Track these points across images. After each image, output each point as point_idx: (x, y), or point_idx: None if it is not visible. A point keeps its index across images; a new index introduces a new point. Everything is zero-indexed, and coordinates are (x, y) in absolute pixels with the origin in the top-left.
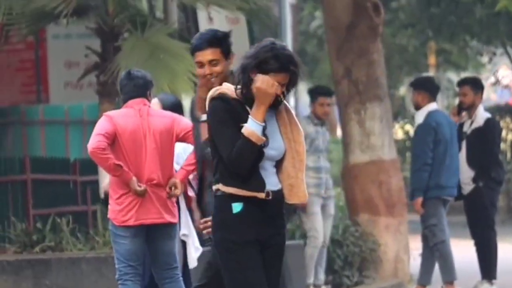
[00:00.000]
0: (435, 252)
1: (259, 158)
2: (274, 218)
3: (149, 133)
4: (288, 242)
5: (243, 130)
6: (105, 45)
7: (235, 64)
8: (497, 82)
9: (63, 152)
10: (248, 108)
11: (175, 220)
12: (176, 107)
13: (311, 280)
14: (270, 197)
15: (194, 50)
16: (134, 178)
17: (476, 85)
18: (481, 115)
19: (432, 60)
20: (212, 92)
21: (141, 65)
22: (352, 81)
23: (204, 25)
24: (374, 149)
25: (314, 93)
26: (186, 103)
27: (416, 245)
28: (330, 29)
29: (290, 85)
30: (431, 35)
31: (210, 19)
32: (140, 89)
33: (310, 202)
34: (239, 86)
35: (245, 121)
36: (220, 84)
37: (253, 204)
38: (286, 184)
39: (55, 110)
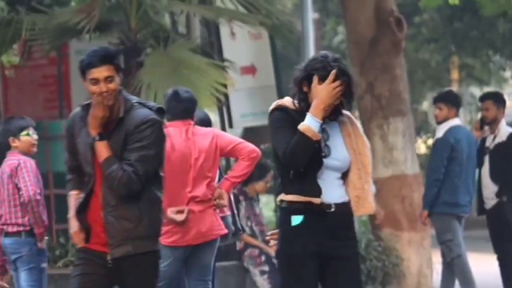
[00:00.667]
0: (453, 267)
1: (317, 167)
2: (338, 230)
3: (194, 152)
4: None
5: (299, 126)
6: (128, 61)
7: (257, 79)
8: None
9: None
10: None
11: (222, 232)
12: (205, 123)
13: None
14: (333, 209)
15: (88, 67)
16: (168, 210)
17: (498, 99)
18: (504, 130)
19: (455, 75)
20: (272, 105)
21: (163, 81)
22: (375, 96)
23: (226, 40)
24: (397, 163)
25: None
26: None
27: (439, 259)
28: (353, 44)
29: (346, 96)
30: (454, 50)
31: (233, 34)
32: (188, 112)
33: None
34: (295, 100)
35: None
36: (114, 101)
37: (314, 216)
38: (353, 196)
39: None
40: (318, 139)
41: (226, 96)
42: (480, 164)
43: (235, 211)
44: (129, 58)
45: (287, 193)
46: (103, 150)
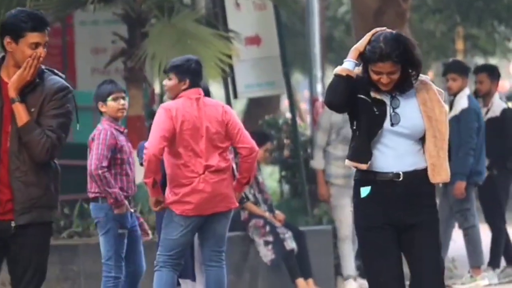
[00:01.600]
0: (466, 236)
1: (373, 132)
2: (409, 198)
3: (206, 123)
4: (315, 228)
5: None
6: (132, 31)
7: (261, 50)
8: None
9: None
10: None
11: (235, 205)
12: (206, 94)
13: (348, 271)
14: (401, 178)
15: (31, 30)
16: (152, 199)
17: (493, 73)
18: (498, 104)
19: (459, 45)
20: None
21: (168, 51)
22: None
23: (231, 11)
24: None
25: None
26: (214, 89)
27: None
28: (358, 15)
29: (408, 67)
30: (458, 21)
31: (237, 5)
32: (199, 78)
33: (337, 194)
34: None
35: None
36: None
37: (382, 187)
38: (429, 163)
39: (82, 96)
40: (350, 75)
41: (231, 66)
42: None
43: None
44: (133, 28)
45: (348, 158)
46: (23, 113)
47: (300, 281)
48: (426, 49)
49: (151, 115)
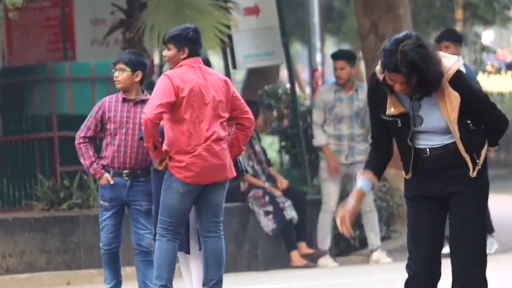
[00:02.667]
0: None
1: (405, 137)
2: (438, 171)
3: (212, 91)
4: (314, 197)
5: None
6: (131, 2)
7: (260, 20)
8: None
9: (90, 109)
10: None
11: (232, 175)
12: (205, 64)
13: (324, 246)
14: (428, 154)
15: None
16: (156, 161)
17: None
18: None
19: (459, 14)
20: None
21: (167, 22)
22: (378, 36)
23: None
24: None
25: (332, 57)
26: (213, 60)
27: None
28: None
29: (422, 83)
30: None
31: None
32: (198, 46)
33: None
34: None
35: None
36: None
37: (414, 162)
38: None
39: (82, 67)
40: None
41: (230, 37)
42: None
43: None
44: None
45: None
46: None
47: (294, 253)
48: (426, 19)
49: (150, 86)
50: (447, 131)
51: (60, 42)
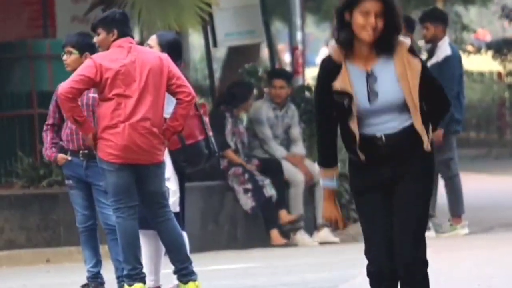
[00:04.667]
0: (449, 185)
1: (346, 117)
2: (395, 156)
3: (140, 68)
4: None
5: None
6: None
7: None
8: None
9: None
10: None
11: (158, 160)
12: (173, 46)
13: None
14: (383, 141)
15: None
16: (90, 136)
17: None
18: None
19: None
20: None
21: (147, 0)
22: None
23: None
24: None
25: (270, 75)
26: (194, 38)
27: None
28: None
29: (389, 18)
30: None
31: None
32: (126, 27)
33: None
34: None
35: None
36: None
37: (368, 150)
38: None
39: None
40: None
41: (210, 15)
42: None
43: (209, 134)
44: None
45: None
46: None
47: (274, 232)
48: None
49: None
50: (403, 109)
51: (40, 19)
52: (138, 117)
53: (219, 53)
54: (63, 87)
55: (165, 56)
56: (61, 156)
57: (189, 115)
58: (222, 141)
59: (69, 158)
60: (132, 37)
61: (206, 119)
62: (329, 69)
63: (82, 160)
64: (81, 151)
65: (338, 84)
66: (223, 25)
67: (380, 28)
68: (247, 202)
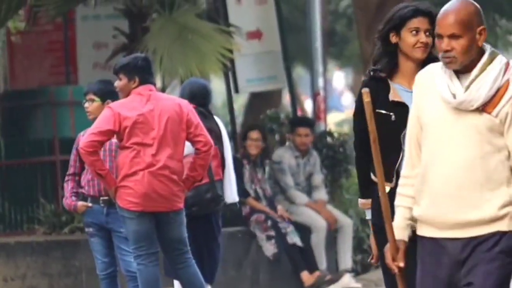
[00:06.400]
0: None
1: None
2: None
3: (158, 116)
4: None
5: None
6: (133, 26)
7: (262, 44)
8: None
9: None
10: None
11: (178, 207)
12: (202, 93)
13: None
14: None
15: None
16: (112, 189)
17: None
18: None
19: None
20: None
21: (169, 46)
22: None
23: (232, 5)
24: None
25: (294, 124)
26: (215, 84)
27: None
28: (359, 9)
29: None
30: None
31: (238, 0)
32: (148, 74)
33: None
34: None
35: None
36: None
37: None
38: None
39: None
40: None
41: (232, 61)
42: None
43: (214, 178)
44: (134, 23)
45: None
46: None
47: (305, 274)
48: None
49: None
50: None
51: (63, 66)
52: (158, 165)
53: (241, 99)
54: (83, 141)
55: (185, 103)
56: (81, 203)
57: (208, 164)
58: (242, 188)
59: (90, 205)
60: (154, 83)
61: (215, 163)
62: (376, 86)
63: (102, 207)
64: (101, 198)
65: (392, 96)
66: (244, 71)
67: (430, 44)
68: (269, 248)
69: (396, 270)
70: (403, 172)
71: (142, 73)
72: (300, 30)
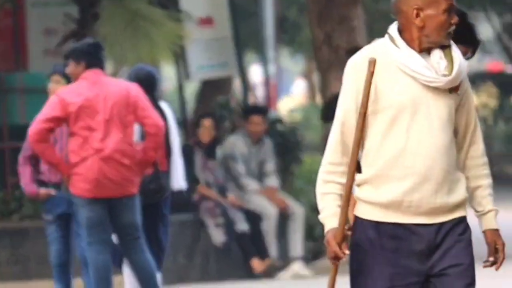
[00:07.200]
0: None
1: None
2: None
3: (102, 100)
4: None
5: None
6: (84, 12)
7: (214, 31)
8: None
9: None
10: None
11: (131, 192)
12: (150, 79)
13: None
14: None
15: None
16: (65, 178)
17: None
18: None
19: None
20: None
21: (120, 33)
22: (332, 47)
23: None
24: None
25: (246, 112)
26: (167, 71)
27: None
28: None
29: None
30: None
31: None
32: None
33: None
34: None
35: None
36: None
37: None
38: None
39: (35, 77)
40: None
41: (183, 48)
42: None
43: (159, 168)
44: (84, 9)
45: None
46: None
47: (255, 261)
48: (381, 32)
49: None
50: None
51: (12, 52)
52: (107, 150)
53: (192, 86)
54: (31, 129)
55: (134, 87)
56: (44, 191)
57: (159, 145)
58: (193, 176)
59: (53, 192)
60: (102, 68)
61: (160, 153)
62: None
63: (64, 193)
64: (62, 184)
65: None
66: (195, 58)
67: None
68: (218, 236)
69: (344, 258)
70: (330, 159)
71: (88, 57)
72: (251, 16)
